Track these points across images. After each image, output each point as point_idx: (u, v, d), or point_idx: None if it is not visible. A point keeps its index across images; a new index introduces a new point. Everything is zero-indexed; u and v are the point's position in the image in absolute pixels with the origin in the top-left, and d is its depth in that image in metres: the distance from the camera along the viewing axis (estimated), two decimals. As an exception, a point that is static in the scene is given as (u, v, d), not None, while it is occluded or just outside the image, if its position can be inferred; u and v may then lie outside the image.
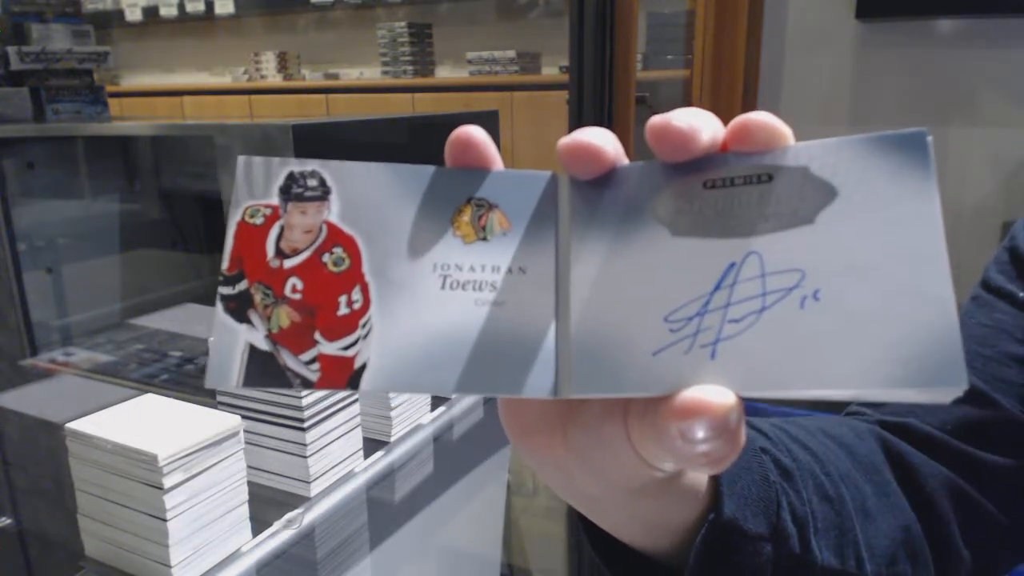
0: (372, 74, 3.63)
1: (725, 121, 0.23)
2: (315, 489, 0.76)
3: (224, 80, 4.16)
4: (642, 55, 2.59)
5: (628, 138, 1.79)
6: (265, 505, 0.74)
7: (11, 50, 1.31)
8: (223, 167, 1.00)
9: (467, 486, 1.01)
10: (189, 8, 4.01)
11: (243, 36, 4.16)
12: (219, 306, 0.23)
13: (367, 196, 0.24)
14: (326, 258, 0.23)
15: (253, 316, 0.23)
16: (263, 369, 0.22)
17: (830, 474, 0.36)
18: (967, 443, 0.40)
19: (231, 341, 0.22)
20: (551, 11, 3.31)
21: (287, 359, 0.22)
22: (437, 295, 0.23)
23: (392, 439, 0.87)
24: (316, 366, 0.22)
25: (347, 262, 0.23)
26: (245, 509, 0.68)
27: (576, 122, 1.76)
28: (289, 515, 0.73)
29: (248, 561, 0.67)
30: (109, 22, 4.28)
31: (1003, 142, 1.93)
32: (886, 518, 0.37)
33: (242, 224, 0.23)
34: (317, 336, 0.23)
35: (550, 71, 3.28)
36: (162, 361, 1.09)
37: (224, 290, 0.23)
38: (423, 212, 0.24)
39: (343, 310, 0.23)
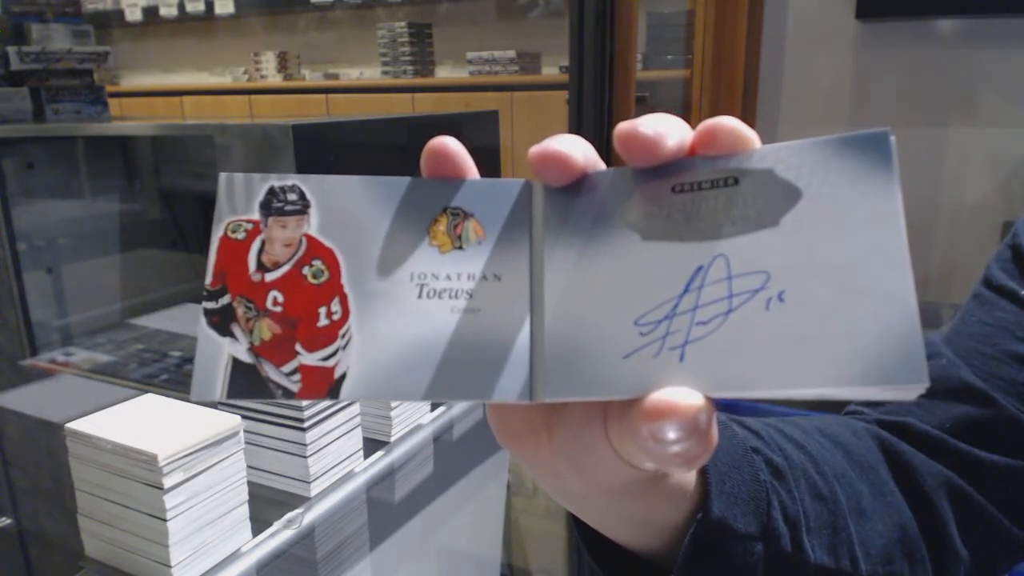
0: (372, 74, 3.63)
1: None
2: (315, 489, 0.76)
3: (224, 80, 4.15)
4: (642, 55, 2.58)
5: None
6: (265, 505, 0.74)
7: (11, 50, 1.31)
8: (223, 167, 1.00)
9: (467, 486, 1.01)
10: (189, 8, 4.00)
11: (243, 36, 4.15)
12: (203, 320, 0.23)
13: (345, 208, 0.24)
14: (306, 271, 0.24)
15: (236, 329, 0.23)
16: (246, 381, 0.23)
17: (824, 473, 0.36)
18: (966, 442, 0.40)
19: (215, 354, 0.23)
20: (551, 11, 3.31)
21: (269, 371, 0.23)
22: (414, 304, 0.23)
23: (392, 439, 0.87)
24: (297, 377, 0.23)
25: (326, 274, 0.24)
26: (245, 509, 0.68)
27: (576, 122, 1.76)
28: (289, 515, 0.73)
29: (248, 561, 0.67)
30: (109, 22, 4.27)
31: (1003, 142, 1.93)
32: (882, 517, 0.37)
33: (224, 239, 0.24)
34: (298, 347, 0.23)
35: (550, 71, 3.28)
36: (162, 361, 1.09)
37: (208, 304, 0.23)
38: (400, 223, 0.24)
39: (323, 321, 0.23)
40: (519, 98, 2.90)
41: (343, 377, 0.23)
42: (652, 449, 0.21)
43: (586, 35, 1.70)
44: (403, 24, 3.43)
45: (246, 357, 0.23)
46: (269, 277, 0.24)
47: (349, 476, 0.80)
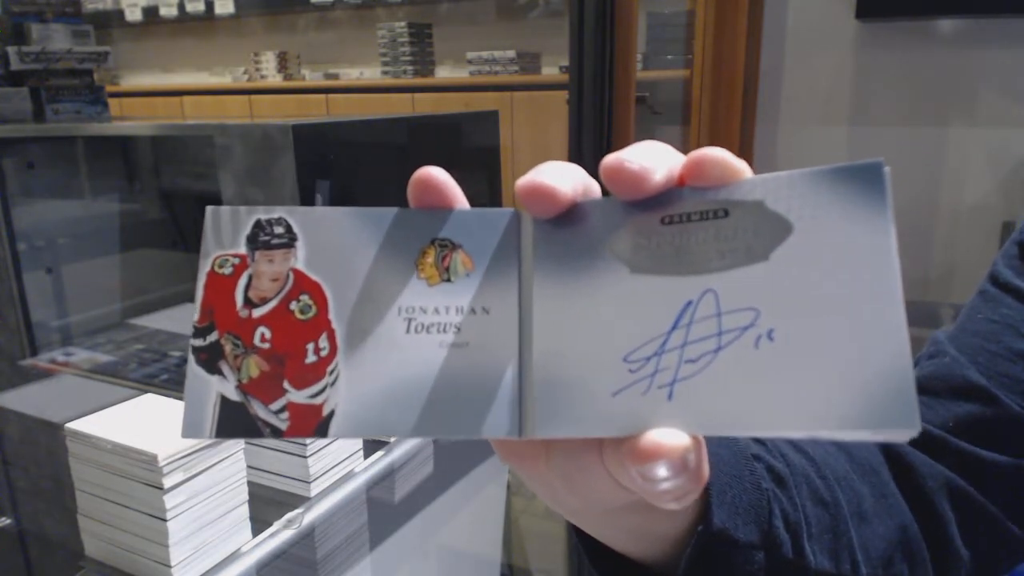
0: (372, 74, 3.63)
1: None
2: (315, 489, 0.76)
3: (224, 80, 4.15)
4: (642, 55, 2.58)
5: (628, 139, 1.79)
6: (265, 505, 0.74)
7: (11, 50, 1.31)
8: (223, 167, 1.00)
9: (467, 486, 1.01)
10: (189, 8, 4.00)
11: (243, 36, 4.15)
12: (191, 358, 0.23)
13: (332, 241, 0.24)
14: (293, 306, 0.23)
15: (224, 367, 0.23)
16: (234, 419, 0.23)
17: (826, 477, 0.36)
18: (969, 441, 0.40)
19: (203, 392, 0.23)
20: (551, 11, 3.31)
21: (257, 409, 0.23)
22: (402, 339, 0.23)
23: (392, 439, 0.87)
24: (285, 415, 0.23)
25: (314, 309, 0.23)
26: (245, 509, 0.68)
27: (576, 122, 1.76)
28: (289, 515, 0.73)
29: (248, 561, 0.67)
30: (109, 22, 4.27)
31: (1003, 142, 1.93)
32: (883, 520, 0.37)
33: (211, 275, 0.24)
34: (286, 385, 0.23)
35: (550, 71, 3.28)
36: (162, 361, 1.09)
37: (196, 342, 0.23)
38: (387, 255, 0.24)
39: (311, 358, 0.23)
40: (519, 98, 2.90)
41: (331, 415, 0.23)
42: (641, 487, 0.21)
43: (586, 35, 1.70)
44: (403, 24, 3.43)
45: (234, 395, 0.23)
46: (256, 313, 0.23)
47: (349, 476, 0.80)
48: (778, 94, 2.11)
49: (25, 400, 1.02)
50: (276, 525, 0.71)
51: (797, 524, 0.32)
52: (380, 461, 0.84)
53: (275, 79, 3.85)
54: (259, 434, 0.23)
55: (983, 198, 1.96)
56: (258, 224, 0.24)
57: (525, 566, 1.51)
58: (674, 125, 2.35)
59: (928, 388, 0.42)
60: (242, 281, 0.24)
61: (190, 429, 0.22)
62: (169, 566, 0.62)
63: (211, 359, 0.23)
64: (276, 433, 0.23)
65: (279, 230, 0.24)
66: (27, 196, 1.25)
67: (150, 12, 4.15)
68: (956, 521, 0.39)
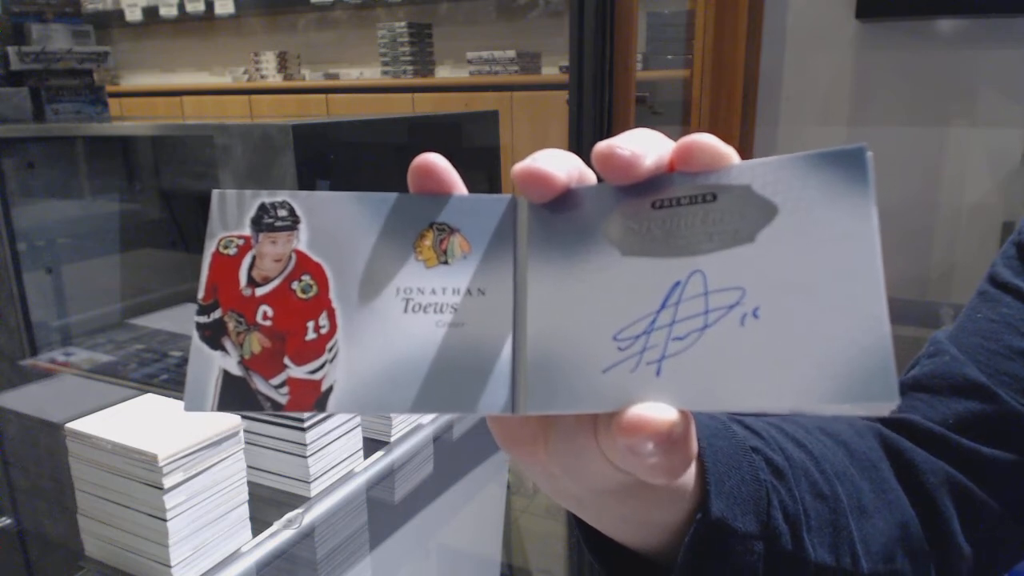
0: (372, 74, 3.63)
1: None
2: (315, 489, 0.76)
3: (224, 80, 4.15)
4: (642, 55, 2.58)
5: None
6: (265, 505, 0.74)
7: (11, 50, 1.31)
8: (223, 167, 1.00)
9: (467, 486, 1.01)
10: (189, 8, 4.00)
11: (243, 36, 4.15)
12: (195, 334, 0.24)
13: (334, 224, 0.25)
14: (295, 286, 0.24)
15: (227, 343, 0.24)
16: (236, 394, 0.23)
17: (825, 472, 0.36)
18: (969, 438, 0.40)
19: (206, 367, 0.23)
20: (551, 11, 3.31)
21: (258, 383, 0.24)
22: (400, 319, 0.24)
23: (392, 439, 0.87)
24: (285, 389, 0.23)
25: (315, 289, 0.24)
26: (245, 509, 0.68)
27: (576, 122, 1.76)
28: (289, 515, 0.73)
29: (248, 561, 0.67)
30: (109, 22, 4.27)
31: (1003, 142, 1.93)
32: (883, 515, 0.37)
33: (216, 255, 0.24)
34: (286, 361, 0.24)
35: (550, 71, 3.28)
36: (162, 361, 1.09)
37: (200, 319, 0.24)
38: (387, 238, 0.25)
39: (311, 335, 0.24)
40: (519, 98, 2.90)
41: (330, 390, 0.23)
42: (630, 461, 0.22)
43: (586, 35, 1.70)
44: (403, 24, 3.43)
45: (236, 370, 0.24)
46: (259, 292, 0.24)
47: (349, 476, 0.80)
48: (778, 94, 2.11)
49: (25, 400, 1.02)
50: (276, 525, 0.71)
51: (796, 516, 0.32)
52: (380, 461, 0.84)
53: (275, 79, 3.85)
54: (259, 408, 0.23)
55: (983, 198, 1.96)
56: (262, 207, 0.25)
57: (525, 566, 1.51)
58: (674, 125, 2.35)
59: (928, 386, 0.42)
60: (246, 261, 0.24)
61: (192, 403, 0.23)
62: (169, 566, 0.62)
63: (214, 335, 0.24)
64: (276, 407, 0.23)
65: (282, 213, 0.25)
66: (27, 196, 1.25)
67: (150, 12, 4.15)
68: (957, 518, 0.39)
